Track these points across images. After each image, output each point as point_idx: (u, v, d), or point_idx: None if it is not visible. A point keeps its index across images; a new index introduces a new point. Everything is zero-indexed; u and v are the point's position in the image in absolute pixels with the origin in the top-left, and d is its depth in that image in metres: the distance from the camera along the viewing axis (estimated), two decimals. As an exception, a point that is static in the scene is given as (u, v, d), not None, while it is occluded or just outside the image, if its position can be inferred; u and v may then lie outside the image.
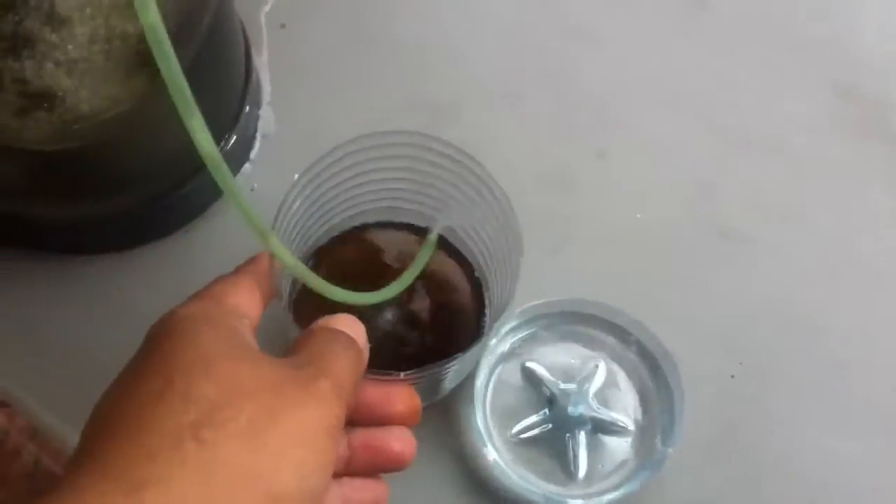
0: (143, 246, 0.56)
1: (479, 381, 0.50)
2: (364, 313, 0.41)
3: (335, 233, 0.51)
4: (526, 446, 0.51)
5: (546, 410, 0.51)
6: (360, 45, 0.63)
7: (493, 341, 0.51)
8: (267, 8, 0.63)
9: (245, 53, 0.56)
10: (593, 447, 0.51)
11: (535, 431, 0.51)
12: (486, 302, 0.51)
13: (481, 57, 0.63)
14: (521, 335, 0.53)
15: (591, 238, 0.57)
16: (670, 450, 0.49)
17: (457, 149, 0.45)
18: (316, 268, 0.51)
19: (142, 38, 0.41)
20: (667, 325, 0.51)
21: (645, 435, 0.51)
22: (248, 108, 0.56)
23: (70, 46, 0.40)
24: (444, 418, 0.52)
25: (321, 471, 0.32)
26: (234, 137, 0.55)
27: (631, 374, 0.52)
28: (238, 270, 0.40)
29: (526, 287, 0.50)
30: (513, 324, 0.52)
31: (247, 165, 0.58)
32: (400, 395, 0.40)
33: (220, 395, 0.31)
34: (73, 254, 0.55)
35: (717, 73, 0.63)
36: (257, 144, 0.58)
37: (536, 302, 0.51)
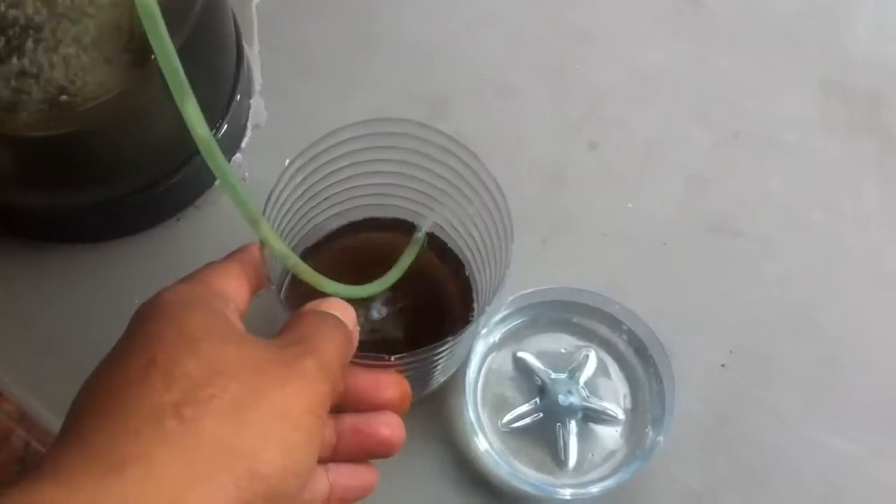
0: (135, 234, 0.56)
1: (470, 371, 0.50)
2: (353, 307, 0.41)
3: (327, 227, 0.51)
4: (516, 435, 0.51)
5: (537, 399, 0.51)
6: (353, 37, 0.63)
7: (484, 331, 0.51)
8: (258, -1, 0.63)
9: (236, 43, 0.56)
10: (584, 436, 0.51)
11: (526, 421, 0.51)
12: (474, 294, 0.51)
13: (476, 50, 0.63)
14: (512, 324, 0.53)
15: (582, 228, 0.58)
16: (660, 439, 0.49)
17: (449, 137, 0.45)
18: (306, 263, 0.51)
19: (134, 23, 0.41)
20: (657, 315, 0.51)
21: (635, 424, 0.51)
22: (238, 97, 0.55)
23: (61, 31, 0.40)
24: (435, 408, 0.52)
25: (306, 449, 0.32)
26: (225, 127, 0.55)
27: (621, 364, 0.52)
28: (227, 258, 0.40)
29: (517, 277, 0.49)
30: (504, 313, 0.52)
31: (238, 155, 0.58)
32: (389, 381, 0.40)
33: (203, 373, 0.31)
34: (64, 242, 0.55)
35: (708, 68, 0.63)
36: (248, 134, 0.58)
37: (527, 291, 0.51)
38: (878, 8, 0.66)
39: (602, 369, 0.52)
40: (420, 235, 0.48)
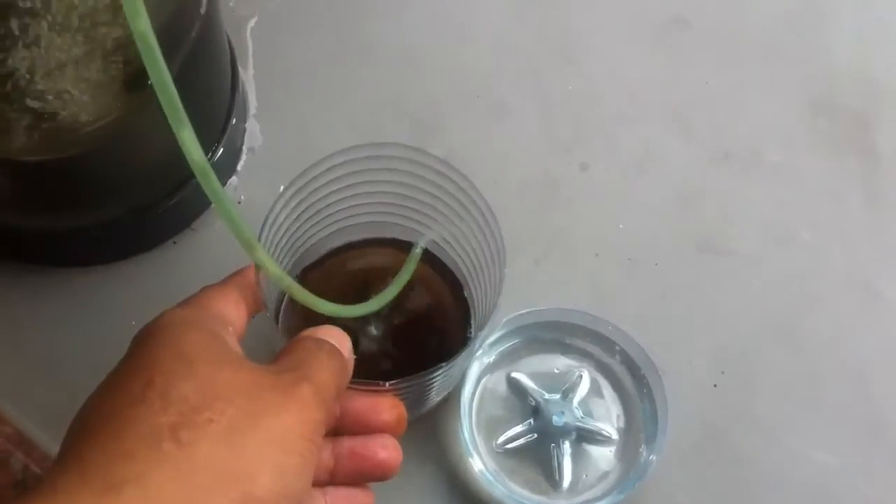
0: (131, 257, 0.56)
1: (465, 392, 0.51)
2: (349, 327, 0.41)
3: (322, 250, 0.51)
4: (511, 456, 0.51)
5: (531, 420, 0.52)
6: (346, 59, 0.63)
7: (479, 352, 0.51)
8: (252, 22, 0.64)
9: (231, 66, 0.57)
10: (578, 456, 0.51)
11: (521, 441, 0.51)
12: (472, 313, 0.51)
13: (467, 72, 0.63)
14: (506, 346, 0.53)
15: (574, 249, 0.58)
16: (653, 458, 0.49)
17: (442, 161, 0.45)
18: (302, 284, 0.51)
19: (130, 49, 0.42)
20: (649, 335, 0.52)
21: (629, 444, 0.51)
22: (234, 120, 0.56)
23: (58, 58, 0.41)
24: (429, 429, 0.52)
25: (300, 474, 0.32)
26: (221, 150, 0.55)
27: (614, 384, 0.53)
28: (225, 281, 0.40)
29: (510, 298, 0.50)
30: (498, 334, 0.52)
31: (234, 178, 0.58)
32: (385, 404, 0.40)
33: (200, 396, 0.31)
34: (61, 266, 0.56)
35: (696, 87, 0.64)
36: (244, 157, 0.59)
37: (521, 312, 0.52)
38: (862, 26, 0.67)
39: (595, 389, 0.53)
40: (417, 252, 0.48)
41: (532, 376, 0.53)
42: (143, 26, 0.32)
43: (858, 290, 0.58)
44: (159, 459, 0.29)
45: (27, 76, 0.41)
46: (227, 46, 0.56)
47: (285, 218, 0.45)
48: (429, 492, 0.52)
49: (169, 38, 0.44)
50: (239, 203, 0.57)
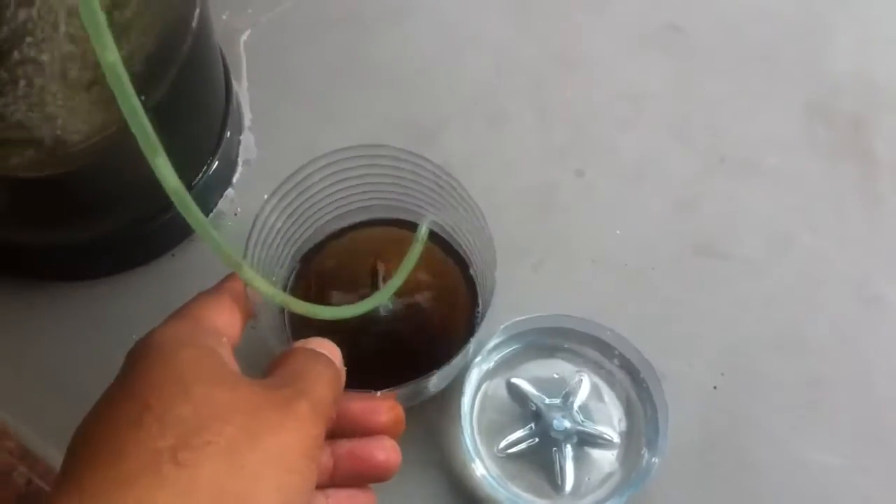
0: (130, 270, 0.56)
1: (466, 398, 0.51)
2: (353, 323, 0.41)
3: (321, 236, 0.51)
4: (513, 461, 0.51)
5: (532, 425, 0.52)
6: (341, 69, 0.64)
7: (478, 358, 0.51)
8: (246, 35, 0.64)
9: (225, 79, 0.57)
10: (580, 460, 0.51)
11: (522, 446, 0.51)
12: (478, 292, 0.51)
13: (462, 79, 0.64)
14: (505, 351, 0.54)
15: (572, 255, 0.58)
16: (655, 460, 0.49)
17: (429, 161, 0.45)
18: (304, 273, 0.51)
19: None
20: (648, 339, 0.52)
21: (630, 447, 0.52)
22: (228, 133, 0.56)
23: (51, 74, 0.41)
24: (431, 435, 0.53)
25: (301, 492, 0.32)
26: (217, 163, 0.55)
27: (615, 388, 0.53)
28: (218, 288, 0.40)
29: (509, 303, 0.50)
30: (497, 340, 0.52)
31: (230, 190, 0.58)
32: (383, 406, 0.40)
33: (197, 417, 0.31)
34: (61, 280, 0.56)
35: (692, 93, 0.64)
36: (239, 169, 0.59)
37: (519, 318, 0.52)
38: (858, 30, 0.67)
39: (596, 394, 0.53)
40: (422, 233, 0.47)
41: (532, 381, 0.53)
42: (111, 58, 0.31)
43: (857, 293, 0.58)
44: (159, 483, 0.29)
45: (20, 93, 0.41)
46: (220, 60, 0.56)
47: (274, 221, 0.45)
48: (432, 498, 0.52)
49: (161, 54, 0.44)
50: (235, 215, 0.58)
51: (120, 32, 0.38)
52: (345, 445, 0.39)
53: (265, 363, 0.38)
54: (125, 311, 0.55)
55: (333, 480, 0.39)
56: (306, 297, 0.42)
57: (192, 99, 0.51)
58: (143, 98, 0.33)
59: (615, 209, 0.60)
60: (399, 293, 0.46)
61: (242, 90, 0.62)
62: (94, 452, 0.30)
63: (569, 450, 0.51)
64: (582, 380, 0.53)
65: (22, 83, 0.40)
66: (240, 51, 0.63)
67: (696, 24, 0.66)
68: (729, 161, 0.62)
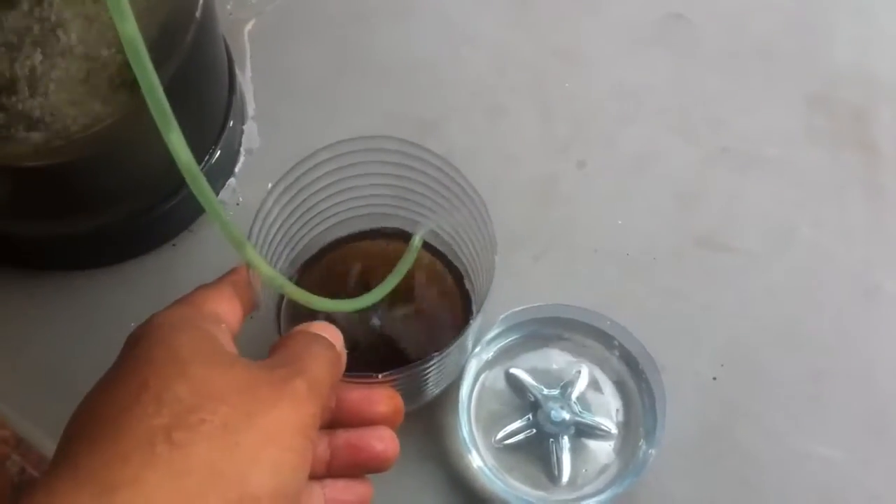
0: (131, 260, 0.56)
1: (464, 388, 0.51)
2: (350, 319, 0.41)
3: (319, 244, 0.52)
4: (510, 452, 0.51)
5: (530, 416, 0.52)
6: (344, 61, 0.64)
7: (477, 349, 0.51)
8: (250, 25, 0.64)
9: (228, 69, 0.57)
10: (577, 451, 0.51)
11: (520, 437, 0.52)
12: (472, 301, 0.51)
13: (464, 71, 0.64)
14: (504, 342, 0.54)
15: (572, 245, 0.58)
16: (652, 451, 0.49)
17: (431, 152, 0.45)
18: (302, 280, 0.52)
19: (123, 54, 0.42)
20: (648, 330, 0.52)
21: (628, 438, 0.52)
22: (231, 122, 0.56)
23: (52, 63, 0.41)
24: (428, 425, 0.53)
25: (296, 470, 0.32)
26: (219, 152, 0.55)
27: (613, 379, 0.53)
28: (219, 279, 0.40)
29: (509, 294, 0.50)
30: (496, 331, 0.52)
31: (232, 179, 0.58)
32: (381, 396, 0.40)
33: (193, 397, 0.31)
34: (60, 269, 0.56)
35: (693, 84, 0.64)
36: (242, 159, 0.59)
37: (519, 308, 0.52)
38: (858, 21, 0.67)
39: (594, 385, 0.53)
40: (416, 243, 0.48)
41: (530, 372, 0.53)
42: (130, 30, 0.32)
43: (858, 285, 0.58)
44: (154, 462, 0.29)
45: (21, 81, 0.41)
46: (223, 50, 0.56)
47: (278, 213, 0.45)
48: (429, 489, 0.52)
49: (164, 43, 0.45)
50: (237, 204, 0.58)
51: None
52: (342, 436, 0.40)
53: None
54: (125, 300, 0.55)
55: (330, 471, 0.39)
56: (304, 311, 0.43)
57: (195, 88, 0.51)
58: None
59: (616, 200, 0.60)
60: (391, 303, 0.46)
61: (246, 80, 0.62)
62: (90, 431, 0.31)
63: (566, 441, 0.51)
64: (580, 371, 0.53)
65: (24, 73, 0.40)
66: (244, 41, 0.64)
67: (696, 16, 0.66)
68: (730, 153, 0.62)
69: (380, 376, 0.41)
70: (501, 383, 0.53)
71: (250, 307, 0.41)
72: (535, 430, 0.51)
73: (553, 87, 0.63)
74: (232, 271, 0.41)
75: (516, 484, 0.50)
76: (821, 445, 0.54)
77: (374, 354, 0.49)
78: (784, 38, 0.66)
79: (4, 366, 0.54)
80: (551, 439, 0.51)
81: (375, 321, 0.50)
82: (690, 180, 0.61)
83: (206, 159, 0.55)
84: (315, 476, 0.39)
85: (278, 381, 0.33)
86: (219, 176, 0.57)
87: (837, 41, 0.66)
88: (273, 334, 0.44)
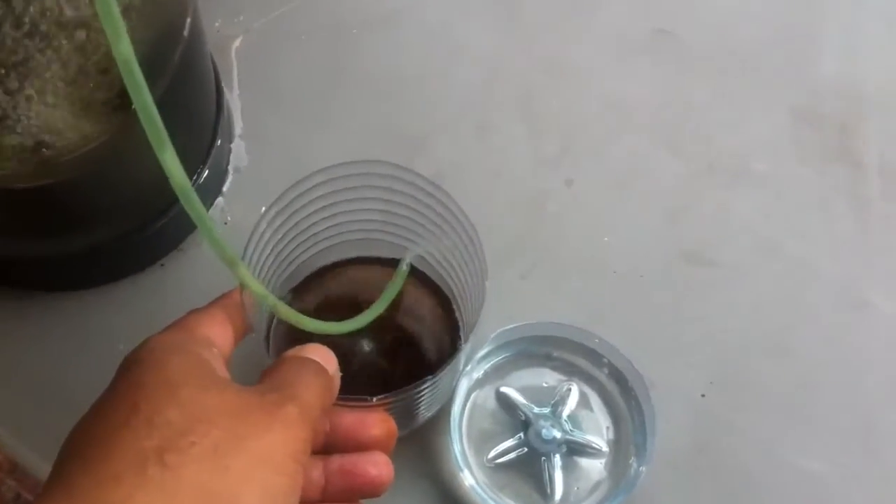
0: (119, 280, 0.56)
1: (455, 407, 0.51)
2: (339, 344, 0.41)
3: (310, 269, 0.51)
4: (502, 470, 0.51)
5: (521, 434, 0.52)
6: (331, 79, 0.64)
7: (468, 368, 0.51)
8: (237, 42, 0.64)
9: (216, 88, 0.57)
10: (569, 469, 0.51)
11: (511, 455, 0.51)
12: (461, 326, 0.51)
13: (452, 88, 0.64)
14: (494, 360, 0.54)
15: (561, 263, 0.58)
16: (643, 469, 0.49)
17: (423, 178, 0.45)
18: (293, 304, 0.51)
19: (112, 73, 0.42)
20: (637, 347, 0.52)
21: (619, 455, 0.52)
22: (219, 141, 0.56)
23: (40, 83, 0.41)
24: (421, 445, 0.53)
25: (287, 495, 0.32)
26: (207, 171, 0.55)
27: (603, 396, 0.53)
28: (211, 304, 0.40)
29: (498, 312, 0.50)
30: (486, 349, 0.52)
31: (220, 199, 0.58)
32: (374, 420, 0.40)
33: (184, 420, 0.31)
34: (50, 290, 0.56)
35: (680, 100, 0.64)
36: (230, 178, 0.59)
37: (508, 327, 0.52)
38: (845, 35, 0.67)
39: (584, 402, 0.53)
40: (404, 268, 0.48)
41: (521, 391, 0.53)
42: (125, 50, 0.32)
43: (846, 299, 0.58)
44: (145, 483, 0.29)
45: (10, 102, 0.41)
46: (211, 68, 0.56)
47: (271, 236, 0.45)
48: (420, 507, 0.52)
49: (152, 63, 0.44)
50: (225, 224, 0.58)
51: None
52: (336, 461, 0.40)
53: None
54: (115, 321, 0.55)
55: (325, 496, 0.39)
56: (293, 334, 0.43)
57: (183, 107, 0.51)
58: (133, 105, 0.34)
59: (604, 217, 0.60)
60: (381, 327, 0.47)
61: (234, 98, 0.62)
62: (82, 453, 0.31)
63: (558, 459, 0.51)
64: (571, 389, 0.53)
65: (12, 93, 0.40)
66: (231, 58, 0.64)
67: (683, 31, 0.67)
68: (717, 168, 0.62)
69: (374, 399, 0.41)
70: (492, 402, 0.53)
71: (243, 331, 0.41)
72: (526, 449, 0.51)
73: (541, 104, 0.64)
74: (224, 296, 0.41)
75: (509, 502, 0.50)
76: (809, 459, 0.54)
77: (365, 378, 0.49)
78: (770, 51, 0.66)
79: (-2, 388, 0.53)
80: (543, 457, 0.51)
81: (365, 345, 0.50)
82: (677, 195, 0.61)
83: (194, 179, 0.54)
84: (310, 502, 0.39)
85: (270, 405, 0.33)
86: (207, 195, 0.57)
87: (823, 55, 0.66)
88: (263, 356, 0.44)
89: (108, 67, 0.42)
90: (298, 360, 0.38)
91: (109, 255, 0.54)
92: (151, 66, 0.44)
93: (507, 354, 0.54)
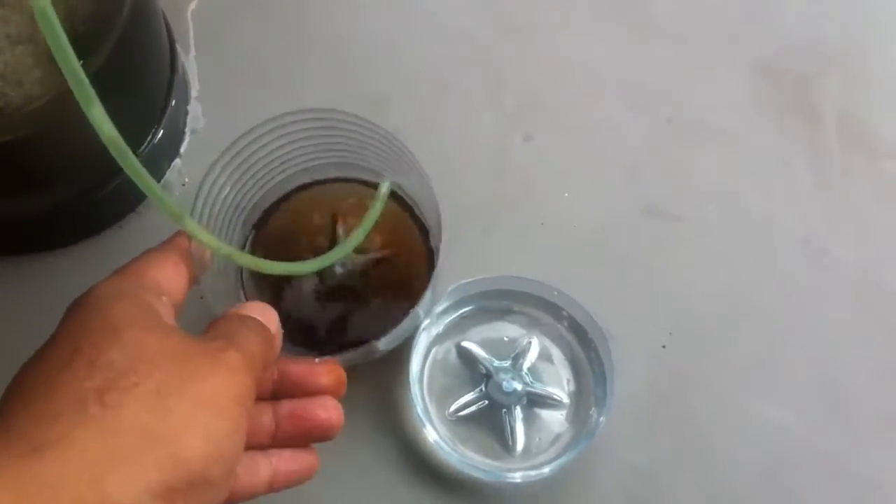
0: (77, 243, 0.56)
1: (415, 363, 0.51)
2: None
3: (273, 198, 0.51)
4: (464, 424, 0.52)
5: (482, 387, 0.52)
6: (290, 39, 0.63)
7: (427, 322, 0.51)
8: (193, 5, 0.63)
9: (170, 49, 0.56)
10: (530, 421, 0.52)
11: (473, 409, 0.52)
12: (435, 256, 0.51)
13: (412, 47, 0.63)
14: (454, 315, 0.54)
15: (521, 218, 0.58)
16: (603, 419, 0.50)
17: (378, 126, 0.46)
18: (255, 242, 0.51)
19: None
20: (598, 300, 0.52)
21: (580, 407, 0.52)
22: (174, 102, 0.56)
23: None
24: (382, 401, 0.53)
25: (230, 437, 0.32)
26: (162, 132, 0.55)
27: (563, 349, 0.53)
28: (165, 244, 0.40)
29: (459, 267, 0.51)
30: (445, 304, 0.52)
31: (177, 160, 0.58)
32: (323, 369, 0.41)
33: (127, 361, 0.31)
34: (5, 254, 0.55)
35: (638, 55, 0.64)
36: (187, 139, 0.59)
37: (468, 280, 0.52)
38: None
39: (545, 355, 0.53)
40: (383, 190, 0.48)
41: (481, 344, 0.53)
42: (42, 2, 0.31)
43: (805, 250, 0.59)
44: (84, 421, 0.29)
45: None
46: (163, 27, 0.55)
47: (225, 181, 0.45)
48: (385, 464, 0.52)
49: (98, 20, 0.44)
50: (183, 185, 0.57)
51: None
52: (286, 406, 0.40)
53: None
54: (71, 283, 0.52)
55: (275, 441, 0.40)
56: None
57: (132, 67, 0.50)
58: (82, 63, 0.33)
59: (563, 173, 0.60)
60: (357, 250, 0.46)
61: (190, 60, 0.61)
62: (23, 394, 0.31)
63: (518, 411, 0.51)
64: (531, 342, 0.53)
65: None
66: (187, 20, 0.63)
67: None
68: (677, 123, 0.62)
69: (317, 360, 0.41)
70: (453, 356, 0.53)
71: (198, 272, 0.41)
72: (487, 402, 0.52)
73: (501, 62, 0.63)
74: (177, 234, 0.40)
75: (471, 454, 0.51)
76: (771, 409, 0.54)
77: (335, 304, 0.49)
78: (730, 6, 0.66)
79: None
80: (504, 410, 0.51)
81: (338, 268, 0.50)
82: (637, 151, 0.61)
83: (148, 139, 0.54)
84: (261, 447, 0.39)
85: (213, 350, 0.34)
86: (163, 156, 0.57)
87: (783, 9, 0.66)
88: (215, 307, 0.44)
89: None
90: (239, 316, 0.38)
91: (66, 216, 0.53)
92: (97, 25, 0.44)
93: (466, 309, 0.54)
